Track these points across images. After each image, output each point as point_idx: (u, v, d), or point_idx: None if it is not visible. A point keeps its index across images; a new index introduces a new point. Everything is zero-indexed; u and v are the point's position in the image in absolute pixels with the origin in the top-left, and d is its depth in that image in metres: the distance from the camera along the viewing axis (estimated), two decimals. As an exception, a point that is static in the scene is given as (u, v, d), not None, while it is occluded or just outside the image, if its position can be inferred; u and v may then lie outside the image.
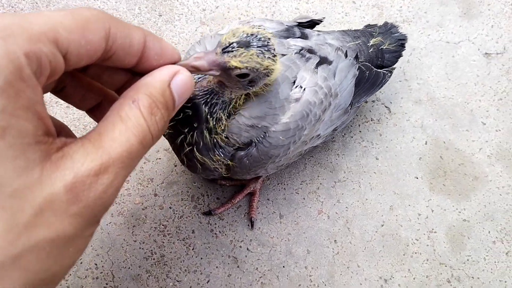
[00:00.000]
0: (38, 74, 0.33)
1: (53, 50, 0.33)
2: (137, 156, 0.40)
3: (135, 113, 0.40)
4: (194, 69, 0.49)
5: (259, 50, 0.51)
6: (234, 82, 0.55)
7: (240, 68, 0.51)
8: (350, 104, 0.76)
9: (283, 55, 0.67)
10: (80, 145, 0.36)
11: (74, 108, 0.84)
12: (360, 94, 0.78)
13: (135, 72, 0.45)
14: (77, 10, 0.36)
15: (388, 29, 0.86)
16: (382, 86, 0.82)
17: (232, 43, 0.50)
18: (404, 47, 0.86)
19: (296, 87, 0.65)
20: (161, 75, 0.43)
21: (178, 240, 0.81)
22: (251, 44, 0.51)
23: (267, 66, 0.53)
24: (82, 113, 0.86)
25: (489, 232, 0.84)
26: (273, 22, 0.74)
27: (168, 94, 0.43)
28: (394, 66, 0.85)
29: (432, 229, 0.84)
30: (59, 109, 0.87)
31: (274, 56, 0.53)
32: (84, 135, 0.38)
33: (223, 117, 0.60)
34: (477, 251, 0.82)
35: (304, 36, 0.74)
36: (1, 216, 0.31)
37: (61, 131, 0.45)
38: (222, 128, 0.61)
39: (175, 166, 0.85)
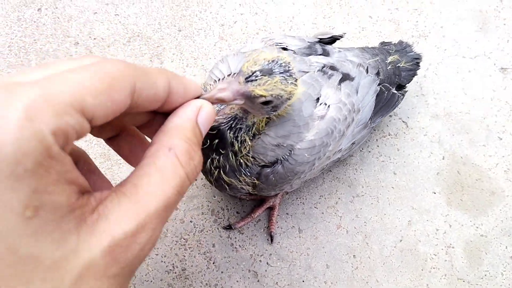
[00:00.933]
0: (65, 146, 0.32)
1: (80, 119, 0.32)
2: (174, 205, 0.39)
3: (173, 161, 0.39)
4: (219, 101, 0.50)
5: (282, 76, 0.52)
6: (257, 109, 0.56)
7: (265, 96, 0.52)
8: (370, 119, 0.77)
9: (305, 72, 0.68)
10: (116, 202, 0.36)
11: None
12: (377, 114, 0.80)
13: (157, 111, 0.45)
14: (102, 66, 0.35)
15: (403, 47, 0.87)
16: (395, 108, 0.84)
17: (255, 71, 0.51)
18: (419, 66, 0.87)
19: (320, 104, 0.66)
20: (188, 113, 0.43)
21: (199, 253, 0.82)
22: (274, 71, 0.51)
23: (290, 92, 0.53)
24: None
25: (506, 247, 0.84)
26: (294, 38, 0.75)
27: (197, 132, 0.43)
28: (406, 89, 0.87)
29: (450, 244, 0.84)
30: (81, 123, 0.89)
31: (296, 80, 0.54)
32: (120, 185, 0.37)
33: (248, 139, 0.61)
34: (494, 266, 0.83)
35: (325, 53, 0.75)
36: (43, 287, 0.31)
37: (80, 159, 0.45)
38: (247, 149, 0.62)
39: (196, 180, 0.87)
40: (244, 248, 0.83)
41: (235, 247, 0.83)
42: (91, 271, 0.33)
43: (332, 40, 0.83)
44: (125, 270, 0.35)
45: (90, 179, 0.45)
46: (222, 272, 0.81)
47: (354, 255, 0.83)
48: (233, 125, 0.59)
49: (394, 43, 0.89)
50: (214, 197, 0.86)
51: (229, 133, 0.59)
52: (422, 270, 0.82)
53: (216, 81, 0.67)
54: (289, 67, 0.53)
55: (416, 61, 0.86)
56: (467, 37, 1.00)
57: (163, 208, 0.37)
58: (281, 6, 1.02)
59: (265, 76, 0.51)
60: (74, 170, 0.33)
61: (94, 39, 0.97)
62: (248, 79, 0.51)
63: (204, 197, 0.86)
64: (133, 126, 0.49)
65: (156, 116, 0.46)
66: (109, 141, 0.49)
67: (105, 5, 1.00)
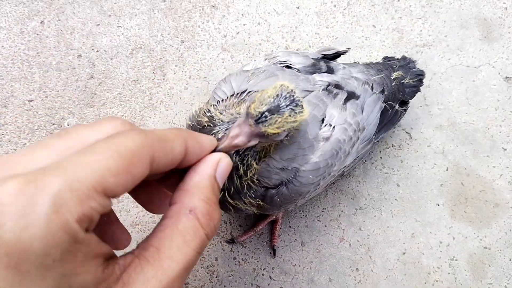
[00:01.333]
0: (90, 227, 0.34)
1: (102, 201, 0.34)
2: (194, 265, 0.41)
3: (194, 224, 0.41)
4: (235, 147, 0.51)
5: (290, 109, 0.52)
6: (270, 141, 0.56)
7: (279, 133, 0.53)
8: (374, 134, 0.77)
9: (310, 91, 0.68)
10: (140, 270, 0.37)
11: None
12: (381, 130, 0.79)
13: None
14: (122, 143, 0.37)
15: (407, 63, 0.87)
16: (397, 123, 0.84)
17: (264, 112, 0.51)
18: (423, 82, 0.87)
19: (325, 125, 0.66)
20: (207, 170, 0.45)
21: (201, 267, 0.82)
22: (281, 106, 0.52)
23: (301, 120, 0.54)
24: (107, 141, 0.88)
25: (510, 260, 0.84)
26: (298, 56, 0.75)
27: (216, 188, 0.44)
28: (408, 105, 0.87)
29: (454, 257, 0.84)
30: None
31: (302, 106, 0.54)
32: (142, 248, 0.39)
33: (254, 163, 0.62)
34: (498, 279, 0.83)
35: (330, 70, 0.75)
36: None
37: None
38: (253, 172, 0.62)
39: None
40: (247, 262, 0.83)
41: (238, 261, 0.83)
42: None
43: (336, 54, 0.82)
44: None
45: (109, 230, 0.46)
46: (225, 286, 0.81)
47: (357, 268, 0.83)
48: (240, 151, 0.59)
49: (398, 59, 0.88)
50: (214, 237, 0.86)
51: (235, 157, 0.59)
52: (425, 283, 0.82)
53: (219, 102, 0.68)
54: (293, 96, 0.53)
55: (419, 77, 0.86)
56: (471, 46, 1.00)
57: (183, 271, 0.39)
58: (283, 16, 1.02)
59: (274, 115, 0.51)
60: (98, 245, 0.35)
61: (97, 51, 0.97)
62: (258, 121, 0.51)
63: (207, 210, 0.86)
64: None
65: (173, 171, 0.46)
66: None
67: (108, 16, 1.00)
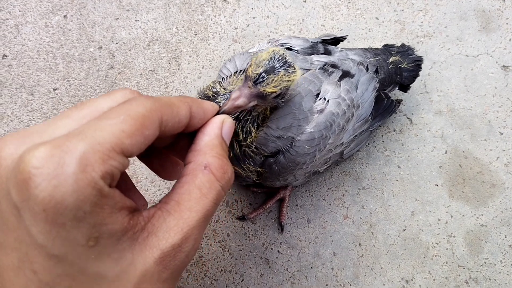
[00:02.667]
0: (112, 183, 0.39)
1: (121, 159, 0.39)
2: (212, 215, 0.46)
3: (209, 178, 0.46)
4: (237, 108, 0.58)
5: (284, 69, 0.59)
6: (269, 102, 0.63)
7: (276, 92, 0.59)
8: (370, 114, 0.82)
9: (307, 70, 0.74)
10: (163, 220, 0.42)
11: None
12: (376, 118, 0.85)
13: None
14: (133, 108, 0.41)
15: (405, 50, 0.92)
16: (391, 114, 0.91)
17: (261, 73, 0.58)
18: (421, 68, 0.92)
19: (320, 99, 0.71)
20: (215, 130, 0.50)
21: (214, 242, 0.88)
22: (275, 68, 0.59)
23: (293, 80, 0.61)
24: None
25: (505, 237, 0.89)
26: (299, 39, 0.81)
27: (224, 146, 0.50)
28: (408, 89, 0.93)
29: (451, 233, 0.89)
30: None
31: (295, 67, 0.61)
32: (164, 203, 0.44)
33: (253, 130, 0.68)
34: (494, 254, 0.88)
35: (327, 52, 0.81)
36: None
37: (120, 178, 0.53)
38: (251, 140, 0.68)
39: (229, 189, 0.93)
40: (257, 237, 0.89)
41: (248, 236, 0.89)
42: (146, 278, 0.40)
43: (336, 41, 0.88)
44: (174, 274, 0.42)
45: (127, 195, 0.51)
46: (236, 259, 0.87)
47: (359, 244, 0.88)
48: (241, 117, 0.65)
49: (397, 46, 0.94)
50: (229, 190, 0.92)
51: (235, 123, 0.65)
52: (424, 257, 0.87)
53: (224, 79, 0.74)
54: (285, 58, 0.60)
55: (417, 63, 0.91)
56: (470, 36, 1.05)
57: (203, 220, 0.44)
58: (291, 9, 1.08)
59: (270, 75, 0.58)
60: (122, 199, 0.40)
61: (116, 43, 1.04)
62: (256, 82, 0.58)
63: (219, 190, 0.92)
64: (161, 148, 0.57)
65: (179, 137, 0.53)
66: (142, 159, 0.57)
67: (126, 11, 1.07)
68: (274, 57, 0.59)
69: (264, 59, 0.59)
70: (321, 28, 1.06)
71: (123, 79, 1.01)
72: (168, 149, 0.55)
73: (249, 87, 0.58)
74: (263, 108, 0.67)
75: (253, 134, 0.68)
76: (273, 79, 0.58)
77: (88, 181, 0.36)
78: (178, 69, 1.02)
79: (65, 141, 0.37)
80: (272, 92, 0.59)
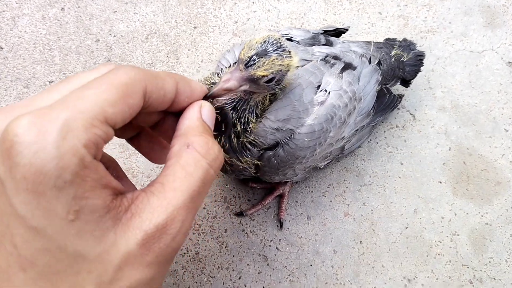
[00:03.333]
0: (97, 154, 0.38)
1: (104, 128, 0.38)
2: (201, 196, 0.43)
3: (194, 155, 0.44)
4: (227, 91, 0.56)
5: (277, 53, 0.56)
6: (263, 88, 0.60)
7: (267, 76, 0.57)
8: (372, 108, 0.80)
9: (308, 61, 0.72)
10: (146, 200, 0.41)
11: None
12: (377, 113, 0.83)
13: (167, 111, 0.50)
14: (116, 76, 0.40)
15: (407, 44, 0.90)
16: (393, 109, 0.89)
17: (252, 56, 0.56)
18: (423, 63, 0.90)
19: (321, 91, 0.69)
20: (195, 113, 0.49)
21: (212, 238, 0.86)
22: (268, 51, 0.56)
23: (288, 64, 0.58)
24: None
25: (511, 235, 0.86)
26: (299, 30, 0.79)
27: (207, 127, 0.48)
28: (410, 84, 0.91)
29: (455, 231, 0.87)
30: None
31: (289, 52, 0.58)
32: (149, 186, 0.42)
33: (252, 120, 0.65)
34: (499, 253, 0.85)
35: (329, 43, 0.79)
36: (90, 277, 0.37)
37: (110, 166, 0.51)
38: (249, 131, 0.66)
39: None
40: (255, 234, 0.86)
41: (246, 233, 0.86)
42: (129, 261, 0.39)
43: (338, 33, 0.86)
44: (159, 259, 0.40)
45: None
46: (233, 255, 0.85)
47: (360, 241, 0.86)
48: (238, 106, 0.63)
49: (399, 40, 0.92)
50: (227, 185, 0.90)
51: (232, 113, 0.63)
52: (427, 256, 0.85)
53: (222, 70, 0.72)
54: (280, 43, 0.57)
55: (419, 57, 0.90)
56: (474, 32, 1.03)
57: (189, 200, 0.42)
58: (292, 3, 1.06)
59: (261, 58, 0.56)
60: (107, 176, 0.39)
61: (114, 36, 1.02)
62: (247, 65, 0.56)
63: (217, 186, 0.90)
64: (148, 127, 0.54)
65: (166, 117, 0.52)
66: (130, 141, 0.55)
67: (125, 4, 1.05)
68: (268, 41, 0.57)
69: (257, 42, 0.57)
70: (322, 22, 1.04)
71: (121, 72, 0.99)
72: (155, 129, 0.53)
73: (240, 70, 0.56)
74: (261, 97, 0.65)
75: (251, 125, 0.66)
76: (265, 62, 0.56)
77: (69, 148, 0.35)
78: (177, 62, 1.00)
79: (47, 110, 0.36)
80: (263, 76, 0.56)
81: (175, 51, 1.01)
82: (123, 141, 0.92)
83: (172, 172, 0.43)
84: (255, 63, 0.55)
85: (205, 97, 0.52)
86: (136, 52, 1.01)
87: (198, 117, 0.49)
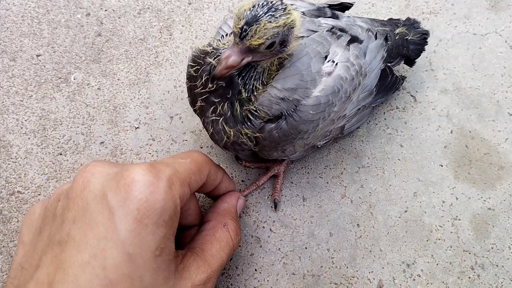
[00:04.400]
0: (181, 207, 0.52)
1: (187, 189, 0.52)
2: (224, 265, 0.60)
3: (227, 236, 0.61)
4: (230, 68, 0.54)
5: (268, 16, 0.52)
6: (268, 55, 0.57)
7: (264, 43, 0.53)
8: (375, 86, 0.76)
9: (314, 31, 0.69)
10: (193, 259, 0.55)
11: (105, 90, 0.87)
12: (379, 94, 0.80)
13: (207, 194, 0.70)
14: (195, 156, 0.59)
15: (411, 23, 0.87)
16: (395, 91, 0.86)
17: (243, 26, 0.52)
18: (427, 42, 0.87)
19: (328, 61, 0.66)
20: (233, 201, 0.69)
21: (202, 219, 0.82)
22: (258, 16, 0.52)
23: (285, 23, 0.53)
24: (112, 95, 0.89)
25: (514, 222, 0.83)
26: (304, 1, 0.76)
27: (237, 215, 0.69)
28: (413, 65, 0.89)
29: (456, 216, 0.83)
30: (90, 90, 0.90)
31: (285, 8, 0.54)
32: (191, 246, 0.59)
33: (259, 87, 0.62)
34: (502, 239, 0.82)
35: (335, 16, 0.76)
36: None
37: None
38: (254, 100, 0.62)
39: (201, 148, 0.87)
40: (248, 215, 0.83)
41: (239, 214, 0.82)
42: None
43: (342, 9, 0.83)
44: None
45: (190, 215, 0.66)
46: (224, 237, 0.81)
47: (358, 224, 0.82)
48: (244, 73, 0.59)
49: (403, 20, 0.89)
50: (220, 164, 0.86)
51: (239, 79, 0.59)
52: (427, 241, 0.81)
53: (223, 36, 0.68)
54: (271, 2, 0.53)
55: (424, 36, 0.86)
56: (478, 15, 1.00)
57: (219, 267, 0.58)
58: (291, -19, 1.03)
59: (252, 25, 0.52)
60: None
61: (105, 10, 0.98)
62: (241, 36, 0.52)
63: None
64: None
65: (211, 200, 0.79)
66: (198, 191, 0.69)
67: (117, -22, 1.02)
68: (258, 4, 0.52)
69: (245, 10, 0.53)
70: (323, 2, 1.01)
71: (111, 47, 0.95)
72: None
73: (237, 43, 0.53)
74: (268, 63, 0.61)
75: (260, 91, 0.62)
76: (256, 29, 0.52)
77: (172, 196, 0.48)
78: (170, 38, 0.97)
79: (156, 164, 0.50)
80: (260, 44, 0.53)
81: (168, 27, 0.98)
82: (112, 117, 0.88)
83: (210, 241, 0.59)
84: (247, 33, 0.52)
85: (212, 77, 0.56)
86: (128, 27, 0.97)
87: (234, 205, 0.69)
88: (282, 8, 0.53)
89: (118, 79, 0.92)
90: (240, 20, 0.52)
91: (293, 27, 0.55)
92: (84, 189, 0.47)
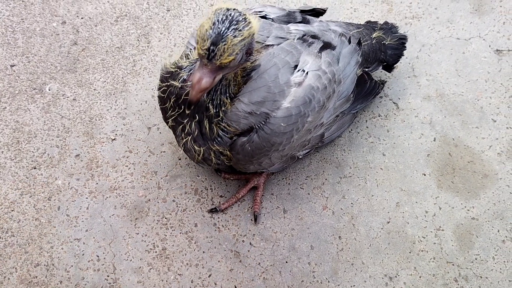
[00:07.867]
0: None
1: None
2: None
3: None
4: (204, 90, 0.53)
5: (231, 31, 0.51)
6: (235, 66, 0.56)
7: (235, 58, 0.52)
8: (352, 92, 0.75)
9: (284, 38, 0.67)
10: None
11: (81, 101, 0.85)
12: (358, 100, 0.78)
13: None
14: None
15: (389, 28, 0.86)
16: (375, 97, 0.85)
17: (209, 47, 0.51)
18: (405, 47, 0.86)
19: (298, 71, 0.64)
20: None
21: (180, 233, 0.80)
22: (222, 33, 0.51)
23: (249, 34, 0.53)
24: (88, 106, 0.87)
25: (498, 231, 0.81)
26: (274, 7, 0.74)
27: None
28: (393, 70, 0.87)
29: (440, 226, 0.82)
30: (65, 101, 0.88)
31: (245, 19, 0.53)
32: None
33: (226, 101, 0.60)
34: (485, 250, 0.80)
35: (305, 21, 0.74)
36: None
37: None
38: (222, 115, 0.61)
39: (179, 159, 0.85)
40: (227, 228, 0.81)
41: (218, 227, 0.81)
42: None
43: (315, 15, 0.82)
44: None
45: None
46: (203, 252, 0.79)
47: (339, 236, 0.81)
48: (210, 90, 0.58)
49: (380, 23, 0.87)
50: (198, 176, 0.84)
51: (205, 96, 0.58)
52: (410, 252, 0.80)
53: (192, 50, 0.66)
54: (230, 15, 0.52)
55: (402, 41, 0.85)
56: (461, 19, 0.98)
57: None
58: (271, -14, 1.01)
59: (218, 45, 0.51)
60: None
61: (82, 18, 0.96)
62: (209, 58, 0.51)
63: (188, 177, 0.84)
64: None
65: None
66: None
67: (94, -16, 0.99)
68: (218, 21, 0.51)
69: (207, 30, 0.51)
70: (295, 8, 0.99)
71: (87, 56, 0.93)
72: None
73: (205, 65, 0.52)
74: (232, 74, 0.60)
75: (228, 105, 0.61)
76: (224, 48, 0.51)
77: None
78: (148, 46, 0.95)
79: None
80: (230, 61, 0.52)
81: (146, 35, 0.95)
82: (88, 128, 0.86)
83: None
84: (215, 53, 0.51)
85: (188, 103, 0.55)
86: (105, 35, 0.95)
87: None
88: (242, 19, 0.52)
89: (94, 89, 0.89)
90: (205, 41, 0.51)
91: (254, 33, 0.55)
92: None
